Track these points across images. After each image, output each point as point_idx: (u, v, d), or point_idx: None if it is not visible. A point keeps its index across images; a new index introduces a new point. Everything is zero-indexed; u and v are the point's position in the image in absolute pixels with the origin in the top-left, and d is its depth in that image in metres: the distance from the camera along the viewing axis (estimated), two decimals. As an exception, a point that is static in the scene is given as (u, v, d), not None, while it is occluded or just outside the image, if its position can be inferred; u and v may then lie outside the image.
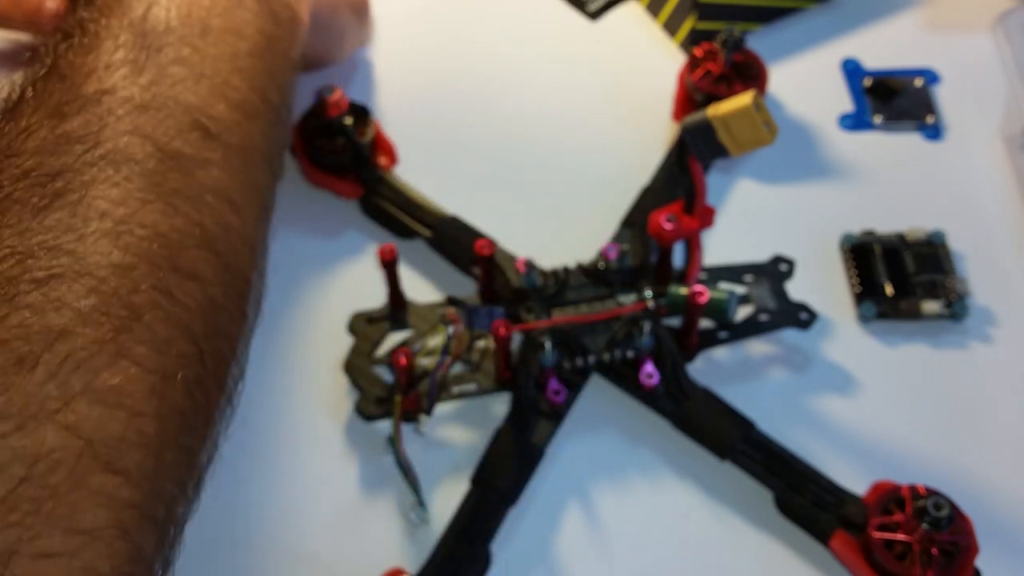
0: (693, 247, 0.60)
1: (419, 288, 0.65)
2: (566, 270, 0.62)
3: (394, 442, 0.56)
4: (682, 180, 0.57)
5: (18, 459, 0.34)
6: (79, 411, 0.36)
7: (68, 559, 0.34)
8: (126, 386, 0.38)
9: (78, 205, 0.38)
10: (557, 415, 0.58)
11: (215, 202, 0.45)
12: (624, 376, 0.59)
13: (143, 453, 0.38)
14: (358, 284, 0.65)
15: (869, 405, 0.60)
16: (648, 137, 0.71)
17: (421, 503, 0.56)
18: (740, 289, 0.62)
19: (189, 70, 0.45)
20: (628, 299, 0.60)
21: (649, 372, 0.57)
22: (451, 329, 0.57)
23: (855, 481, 0.55)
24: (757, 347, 0.62)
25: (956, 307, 0.62)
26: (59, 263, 0.38)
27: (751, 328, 0.61)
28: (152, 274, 0.40)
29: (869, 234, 0.65)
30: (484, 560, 0.54)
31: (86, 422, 0.36)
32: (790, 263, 0.63)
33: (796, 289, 0.62)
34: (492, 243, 0.60)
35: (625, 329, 0.58)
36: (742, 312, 0.61)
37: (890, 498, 0.52)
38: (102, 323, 0.38)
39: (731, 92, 0.66)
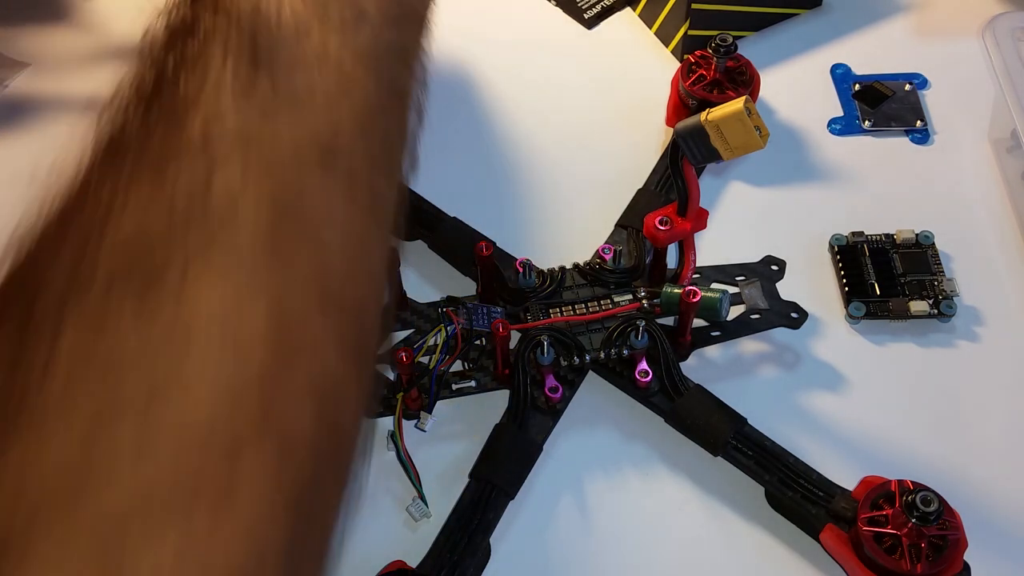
0: (687, 248, 0.61)
1: (419, 288, 0.66)
2: (563, 270, 0.63)
3: (396, 438, 0.57)
4: (676, 183, 0.58)
5: None
6: None
7: None
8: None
9: (180, 304, 0.29)
10: (554, 412, 0.59)
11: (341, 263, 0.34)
12: (619, 374, 0.60)
13: None
14: (359, 285, 0.66)
15: (858, 402, 0.61)
16: (642, 141, 0.72)
17: (422, 497, 0.57)
18: (732, 289, 0.63)
19: (311, 82, 0.35)
20: (623, 299, 0.61)
21: (644, 370, 0.58)
22: (451, 328, 0.58)
23: (845, 476, 0.56)
24: (749, 346, 0.63)
25: (944, 307, 0.63)
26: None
27: (743, 327, 0.62)
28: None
29: (858, 235, 0.66)
30: (484, 552, 0.55)
31: None
32: (781, 264, 0.64)
33: (787, 289, 0.63)
34: (491, 244, 0.61)
35: (620, 328, 0.59)
36: (734, 312, 0.62)
37: (879, 493, 0.53)
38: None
39: (723, 98, 0.67)
